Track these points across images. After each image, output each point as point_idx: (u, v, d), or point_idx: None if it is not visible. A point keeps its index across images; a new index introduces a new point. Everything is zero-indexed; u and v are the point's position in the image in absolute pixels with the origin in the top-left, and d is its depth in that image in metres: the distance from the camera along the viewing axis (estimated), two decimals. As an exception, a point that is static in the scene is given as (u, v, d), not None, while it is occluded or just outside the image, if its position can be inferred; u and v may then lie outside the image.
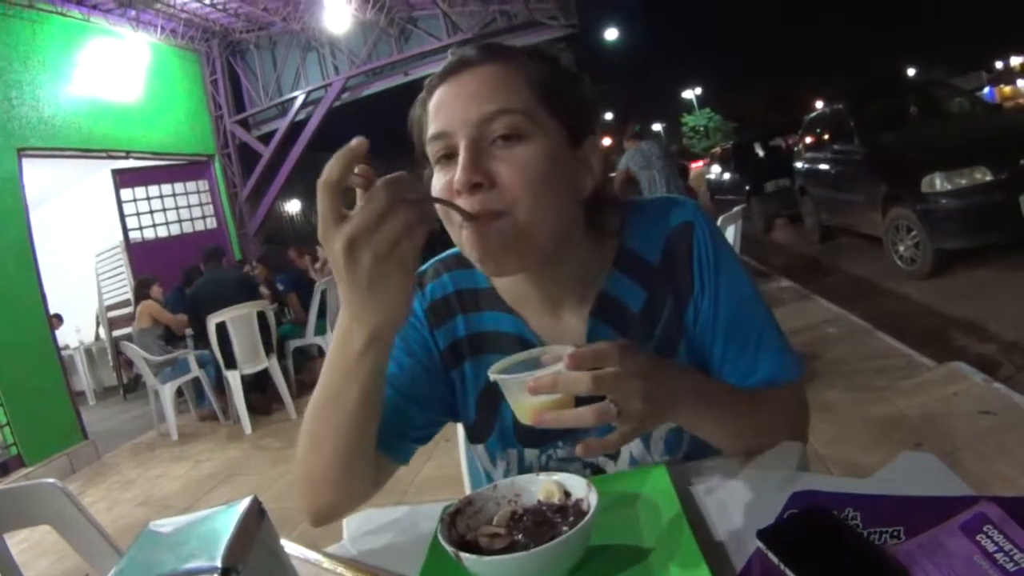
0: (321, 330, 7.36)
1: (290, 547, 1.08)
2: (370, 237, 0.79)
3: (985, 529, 0.74)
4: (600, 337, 1.13)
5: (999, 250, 5.89)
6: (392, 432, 1.15)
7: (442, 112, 1.03)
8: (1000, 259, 5.86)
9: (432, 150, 1.05)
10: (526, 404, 0.89)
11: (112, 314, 9.85)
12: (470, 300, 1.23)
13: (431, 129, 1.04)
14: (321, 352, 7.60)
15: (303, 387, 7.30)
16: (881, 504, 0.85)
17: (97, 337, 10.75)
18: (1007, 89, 29.23)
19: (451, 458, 1.66)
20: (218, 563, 0.56)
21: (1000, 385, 3.59)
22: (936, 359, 4.24)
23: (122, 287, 9.61)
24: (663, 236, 1.18)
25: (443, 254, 1.28)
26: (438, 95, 1.05)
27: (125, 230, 9.78)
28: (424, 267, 1.28)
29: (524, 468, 1.24)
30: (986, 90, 27.26)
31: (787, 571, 0.78)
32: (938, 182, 5.89)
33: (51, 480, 1.45)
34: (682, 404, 0.95)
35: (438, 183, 1.04)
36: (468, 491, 1.66)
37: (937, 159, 6.06)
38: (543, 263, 1.09)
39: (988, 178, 5.70)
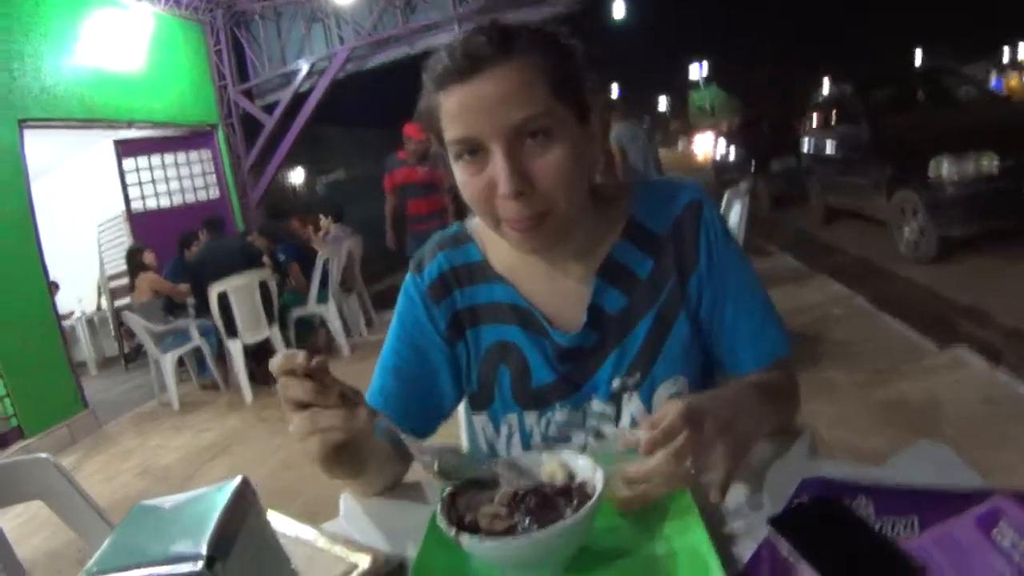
0: (323, 299, 7.35)
1: (285, 523, 1.06)
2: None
3: (1000, 524, 0.72)
4: (606, 299, 1.23)
5: (1004, 238, 5.83)
6: (410, 420, 1.25)
7: (466, 116, 1.05)
8: (1005, 247, 5.79)
9: (455, 149, 1.08)
10: (617, 496, 0.93)
11: (114, 284, 9.79)
12: (464, 275, 1.29)
13: (454, 131, 1.06)
14: (323, 322, 7.61)
15: (304, 356, 7.25)
16: (893, 494, 0.83)
17: (98, 307, 10.72)
18: (1014, 80, 28.79)
19: (449, 430, 1.61)
20: (202, 550, 0.54)
21: (1003, 373, 3.57)
22: (939, 344, 4.22)
23: (123, 257, 9.55)
24: (673, 212, 1.24)
25: (439, 234, 1.35)
26: (458, 96, 1.05)
27: (127, 200, 9.64)
28: (422, 250, 1.35)
29: (525, 432, 1.28)
30: (993, 80, 26.92)
31: (799, 561, 0.76)
32: (945, 167, 5.83)
33: (43, 455, 1.43)
34: (749, 428, 1.00)
35: (470, 181, 1.08)
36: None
37: (944, 145, 5.99)
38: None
39: (995, 165, 5.64)
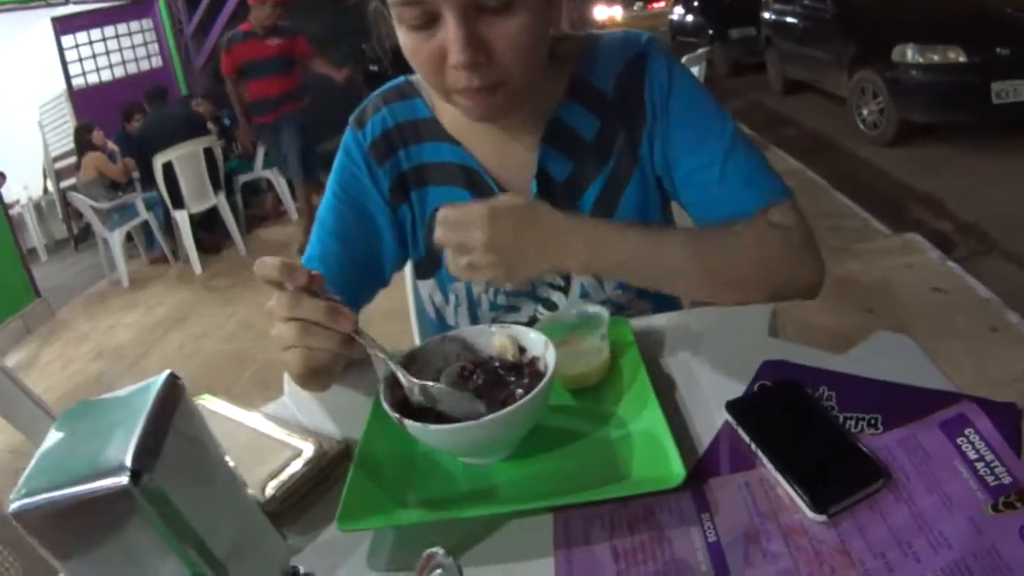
0: (269, 163, 7.10)
1: (227, 408, 1.03)
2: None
3: (966, 432, 0.71)
4: (552, 165, 1.14)
5: (964, 131, 5.77)
6: (350, 286, 1.15)
7: None
8: (964, 141, 5.71)
9: (400, 13, 0.92)
10: (568, 374, 0.91)
11: (59, 165, 9.47)
12: (411, 132, 1.18)
13: None
14: (270, 185, 7.43)
15: (252, 222, 7.19)
16: (857, 387, 0.81)
17: (46, 191, 10.37)
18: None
19: (398, 291, 1.56)
20: (127, 462, 0.50)
21: (955, 264, 3.59)
22: (892, 228, 4.24)
23: (68, 137, 9.20)
24: (617, 66, 1.14)
25: (383, 87, 1.23)
26: None
27: (68, 78, 9.39)
28: (364, 102, 1.22)
29: (473, 301, 1.23)
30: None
31: (758, 452, 0.74)
32: (910, 53, 5.75)
33: (-15, 359, 1.36)
34: (541, 258, 0.93)
35: (417, 48, 0.94)
36: (415, 328, 1.63)
37: (911, 30, 5.91)
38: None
39: (962, 59, 5.55)
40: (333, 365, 0.86)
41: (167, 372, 0.59)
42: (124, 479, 0.50)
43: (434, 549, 0.60)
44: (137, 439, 0.52)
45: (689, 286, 1.04)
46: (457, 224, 0.92)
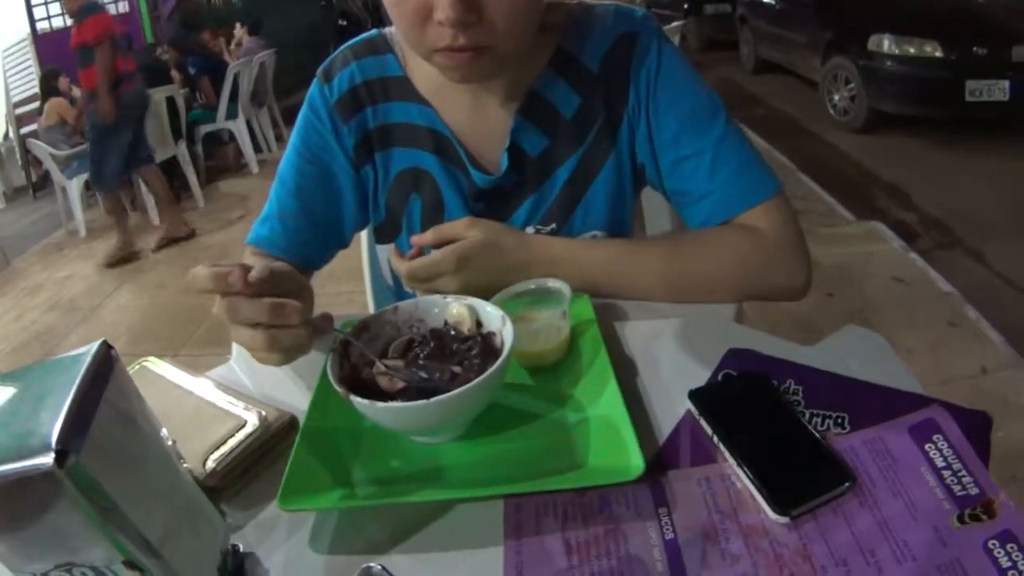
0: (232, 114, 6.97)
1: (171, 372, 0.98)
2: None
3: (935, 439, 0.69)
4: (526, 139, 1.10)
5: (934, 125, 5.82)
6: (308, 247, 1.16)
7: None
8: (934, 134, 5.76)
9: None
10: (525, 350, 0.88)
11: (20, 110, 9.23)
12: (379, 90, 1.13)
13: None
14: (232, 137, 7.29)
15: (212, 173, 7.05)
16: (825, 382, 0.79)
17: (6, 136, 10.11)
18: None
19: (353, 250, 1.52)
20: (52, 442, 0.47)
21: (917, 256, 3.63)
22: (856, 214, 4.26)
23: (30, 82, 9.06)
24: (606, 43, 1.08)
25: (354, 40, 1.17)
26: None
27: (32, 21, 9.23)
28: (333, 55, 1.16)
29: None
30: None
31: (721, 446, 0.71)
32: (886, 43, 5.81)
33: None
34: (508, 280, 0.96)
35: (401, 0, 0.88)
36: (369, 292, 1.61)
37: (889, 20, 5.96)
38: None
39: (938, 54, 5.62)
40: (304, 350, 0.81)
41: (100, 341, 0.55)
42: (48, 460, 0.46)
43: (371, 564, 0.57)
44: (64, 416, 0.48)
45: (657, 296, 1.03)
46: (426, 275, 1.00)
